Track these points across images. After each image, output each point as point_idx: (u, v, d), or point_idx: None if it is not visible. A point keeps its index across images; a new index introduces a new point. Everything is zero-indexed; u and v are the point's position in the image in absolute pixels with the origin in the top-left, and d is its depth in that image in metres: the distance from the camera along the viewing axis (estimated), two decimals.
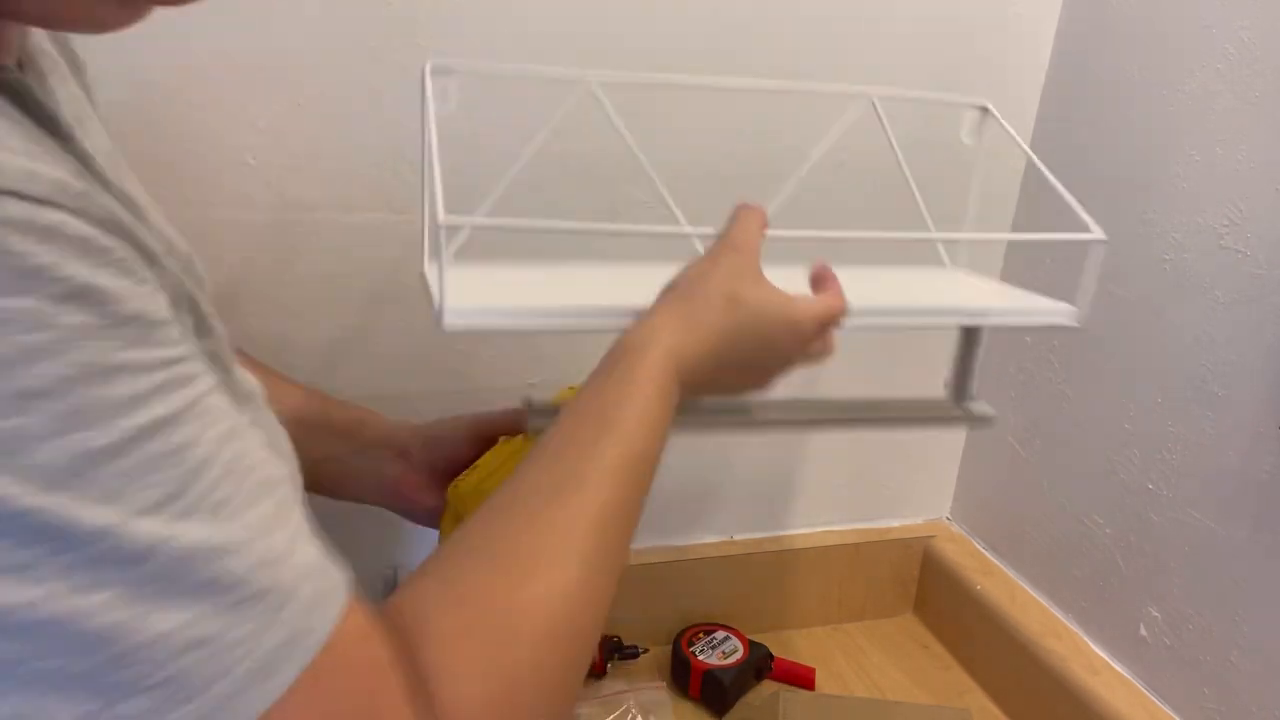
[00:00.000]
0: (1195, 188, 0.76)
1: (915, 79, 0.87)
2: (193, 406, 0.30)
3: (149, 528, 0.28)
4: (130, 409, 0.28)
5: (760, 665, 0.92)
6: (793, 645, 0.96)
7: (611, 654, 0.90)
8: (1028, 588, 0.95)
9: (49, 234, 0.26)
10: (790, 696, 0.86)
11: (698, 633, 0.94)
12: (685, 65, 0.80)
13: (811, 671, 0.93)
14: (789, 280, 0.57)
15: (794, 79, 0.83)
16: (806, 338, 0.55)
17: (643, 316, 0.51)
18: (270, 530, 0.32)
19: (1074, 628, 0.90)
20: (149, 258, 0.32)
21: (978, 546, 1.03)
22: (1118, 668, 0.84)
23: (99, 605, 0.27)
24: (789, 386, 0.60)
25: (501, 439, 0.70)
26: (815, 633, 1.02)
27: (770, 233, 0.60)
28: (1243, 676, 0.73)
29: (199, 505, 0.29)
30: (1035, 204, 0.93)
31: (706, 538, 0.99)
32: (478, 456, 0.69)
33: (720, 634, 0.93)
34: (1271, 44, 0.69)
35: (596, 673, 0.90)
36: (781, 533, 1.01)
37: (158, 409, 0.29)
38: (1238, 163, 0.72)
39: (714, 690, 0.88)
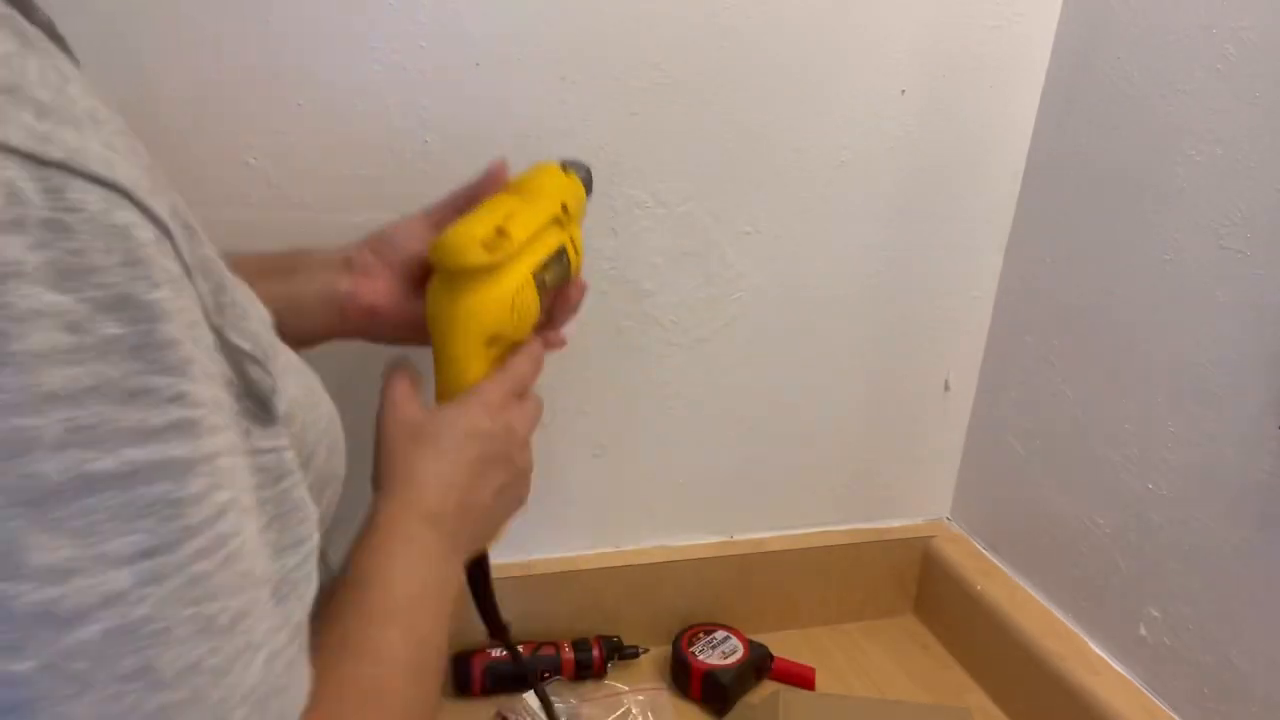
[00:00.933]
0: (1195, 188, 0.76)
1: (915, 79, 0.87)
2: (206, 460, 0.29)
3: (111, 582, 0.25)
4: (141, 441, 0.26)
5: (760, 665, 0.92)
6: (793, 645, 0.96)
7: (612, 654, 0.90)
8: (1028, 588, 0.95)
9: (116, 235, 0.25)
10: (790, 696, 0.86)
11: (698, 633, 0.94)
12: (686, 65, 0.80)
13: (811, 671, 0.93)
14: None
15: (794, 79, 0.83)
16: (502, 404, 0.56)
17: (374, 499, 0.51)
18: (225, 633, 0.29)
19: (1074, 628, 0.90)
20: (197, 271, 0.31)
21: (978, 546, 1.03)
22: (1118, 668, 0.84)
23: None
24: None
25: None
26: (815, 633, 1.02)
27: None
28: (1243, 676, 0.73)
29: (170, 574, 0.27)
30: (1036, 205, 0.93)
31: (706, 538, 0.99)
32: None
33: (720, 634, 0.94)
34: (1271, 44, 0.69)
35: (597, 672, 0.90)
36: (781, 533, 1.01)
37: (170, 449, 0.27)
38: (1238, 163, 0.72)
39: (714, 690, 0.88)
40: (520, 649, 0.77)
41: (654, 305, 0.87)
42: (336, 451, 0.45)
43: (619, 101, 0.79)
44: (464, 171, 0.78)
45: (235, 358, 0.33)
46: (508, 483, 0.56)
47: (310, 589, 0.36)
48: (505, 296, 0.57)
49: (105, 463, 0.25)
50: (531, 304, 0.60)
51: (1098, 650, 0.87)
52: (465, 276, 0.56)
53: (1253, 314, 0.71)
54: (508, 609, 0.91)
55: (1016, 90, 0.91)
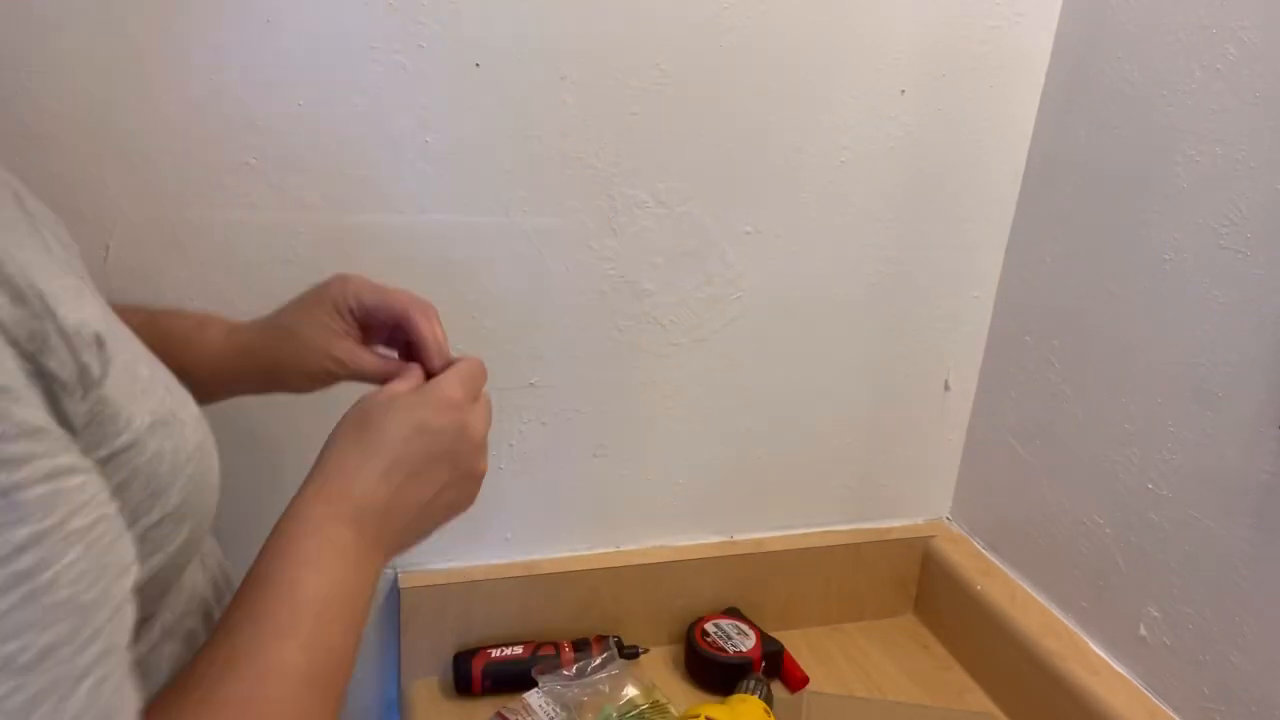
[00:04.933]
0: (1195, 188, 0.76)
1: (915, 79, 0.87)
2: (59, 527, 0.30)
3: None
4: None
5: (771, 658, 0.92)
6: (793, 645, 0.96)
7: (613, 653, 0.90)
8: (1028, 588, 0.95)
9: None
10: (814, 698, 0.86)
11: (709, 622, 0.94)
12: (686, 65, 0.80)
13: (804, 678, 0.93)
14: None
15: (794, 79, 0.83)
16: (458, 403, 0.52)
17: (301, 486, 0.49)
18: (27, 671, 0.29)
19: (1074, 628, 0.90)
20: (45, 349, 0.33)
21: (978, 546, 1.03)
22: (1118, 668, 0.84)
23: None
24: None
25: None
26: (815, 633, 1.02)
27: None
28: (1243, 676, 0.73)
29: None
30: (1036, 205, 0.93)
31: (706, 538, 0.99)
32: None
33: (729, 624, 0.94)
34: (1271, 44, 0.69)
35: (596, 671, 0.90)
36: (781, 533, 1.01)
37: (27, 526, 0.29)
38: (1238, 163, 0.72)
39: (721, 678, 0.89)
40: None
41: (654, 305, 0.87)
42: (201, 485, 0.44)
43: (619, 101, 0.79)
44: (464, 171, 0.78)
45: (48, 383, 0.34)
46: (449, 483, 0.52)
47: (130, 612, 0.35)
48: None
49: None
50: None
51: (1098, 650, 0.87)
52: None
53: (1252, 314, 0.71)
54: (508, 608, 0.91)
55: (1016, 90, 0.91)
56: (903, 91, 0.87)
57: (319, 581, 0.44)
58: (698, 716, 0.80)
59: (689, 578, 0.96)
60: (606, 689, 0.86)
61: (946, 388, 1.02)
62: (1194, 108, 0.75)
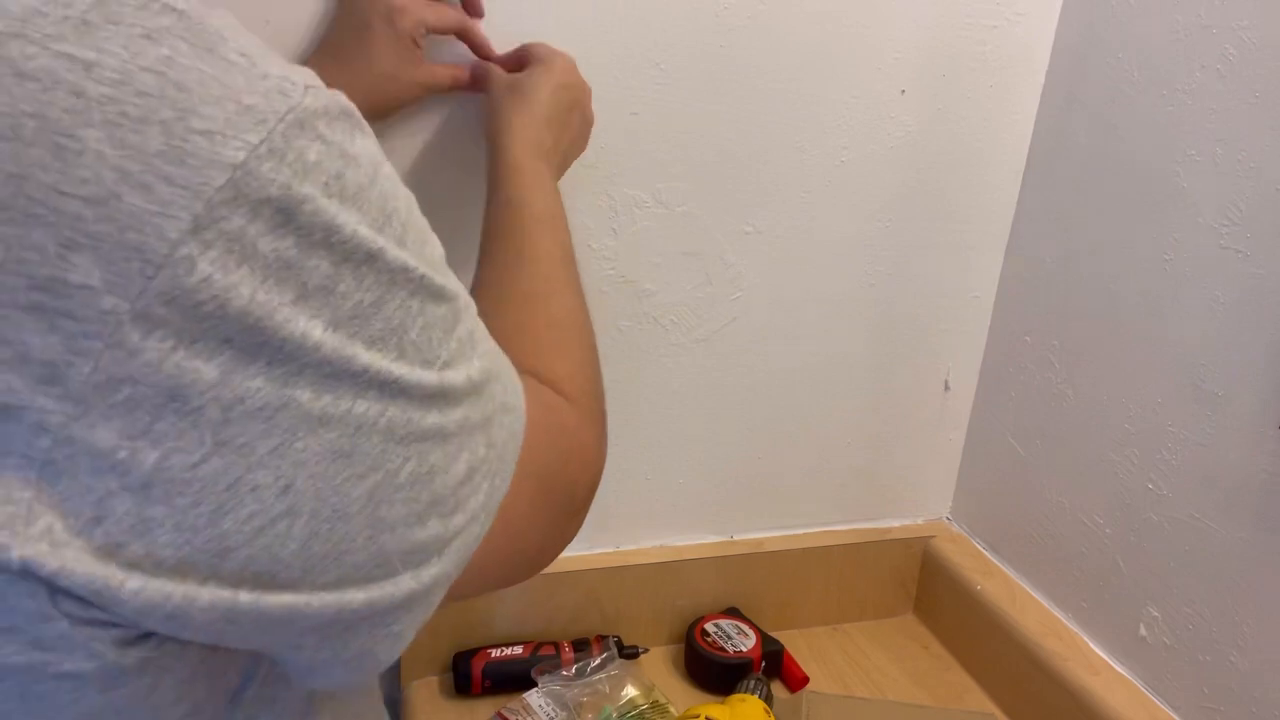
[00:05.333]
0: (1195, 188, 0.76)
1: (915, 79, 0.87)
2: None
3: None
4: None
5: (771, 658, 0.92)
6: (793, 645, 0.96)
7: (613, 653, 0.90)
8: (1028, 588, 0.95)
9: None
10: (814, 697, 0.86)
11: (709, 621, 0.94)
12: (686, 65, 0.80)
13: (804, 678, 0.93)
14: None
15: (794, 79, 0.83)
16: (574, 64, 0.71)
17: (493, 139, 0.65)
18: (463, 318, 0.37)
19: (1074, 628, 0.90)
20: None
21: (978, 546, 1.03)
22: (1118, 668, 0.84)
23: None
24: None
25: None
26: (815, 633, 1.02)
27: None
28: (1243, 676, 0.73)
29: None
30: (1036, 205, 0.93)
31: (706, 538, 0.99)
32: None
33: (729, 624, 0.94)
34: (1271, 44, 0.69)
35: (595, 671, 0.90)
36: (781, 533, 1.01)
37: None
38: (1238, 163, 0.72)
39: (721, 678, 0.89)
40: None
41: (654, 305, 0.87)
42: None
43: (619, 101, 0.79)
44: (463, 171, 0.78)
45: None
46: (580, 126, 0.71)
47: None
48: None
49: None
50: None
51: (1098, 650, 0.87)
52: None
53: (1252, 314, 0.71)
54: (508, 609, 0.91)
55: (1016, 90, 0.91)
56: (903, 91, 0.87)
57: (544, 199, 0.60)
58: (698, 716, 0.80)
59: (689, 578, 0.96)
60: (606, 689, 0.86)
61: (946, 388, 1.02)
62: (1194, 108, 0.75)
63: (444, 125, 0.76)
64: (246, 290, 0.27)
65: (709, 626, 0.93)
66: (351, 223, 0.29)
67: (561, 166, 0.69)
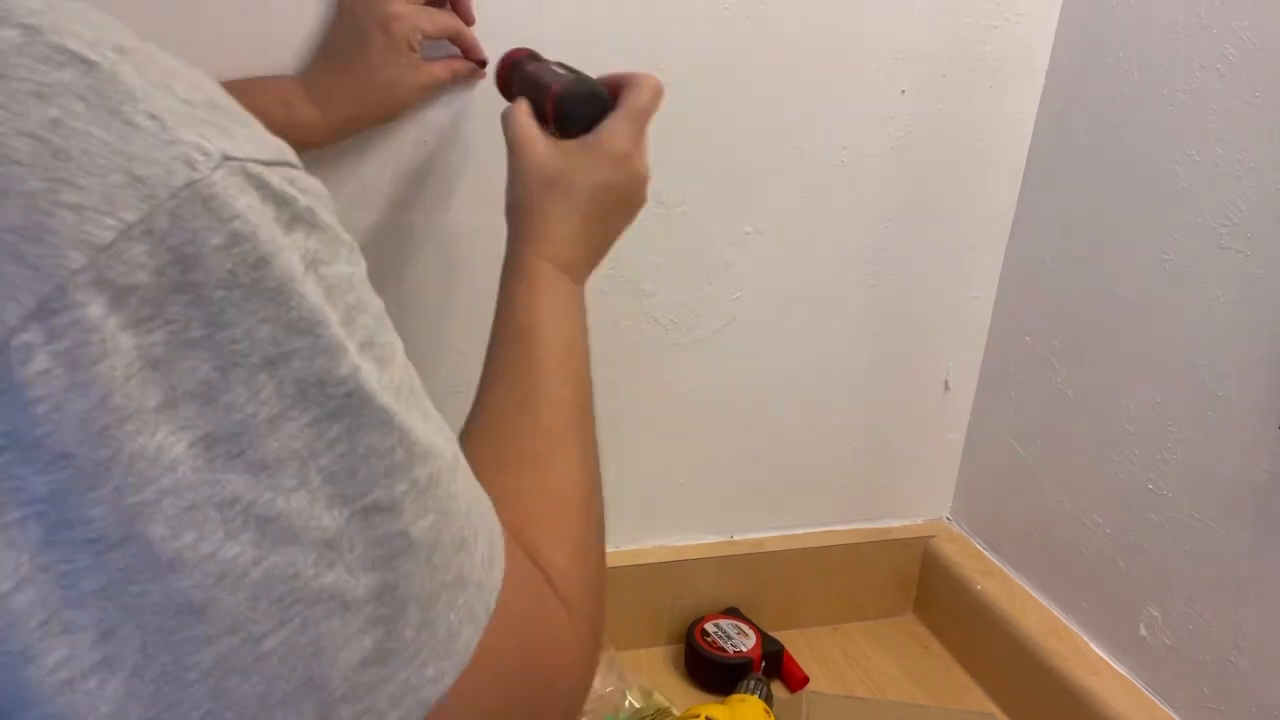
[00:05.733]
0: (1195, 188, 0.76)
1: (915, 79, 0.87)
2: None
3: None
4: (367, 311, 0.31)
5: (771, 658, 0.93)
6: (793, 645, 0.96)
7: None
8: (1028, 588, 0.95)
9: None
10: (814, 697, 0.86)
11: (709, 621, 0.94)
12: (686, 65, 0.80)
13: (804, 678, 0.93)
14: None
15: (794, 79, 0.83)
16: (629, 153, 0.57)
17: (514, 243, 0.56)
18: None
19: (1074, 628, 0.90)
20: None
21: (978, 546, 1.03)
22: (1118, 668, 0.84)
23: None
24: None
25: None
26: (815, 633, 1.02)
27: None
28: (1243, 676, 0.73)
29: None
30: (1036, 205, 0.93)
31: (706, 538, 0.99)
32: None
33: (729, 624, 0.94)
34: (1271, 44, 0.69)
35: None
36: (781, 533, 1.01)
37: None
38: (1238, 163, 0.72)
39: (721, 678, 0.89)
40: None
41: (654, 305, 0.87)
42: None
43: None
44: (462, 171, 0.78)
45: None
46: (627, 221, 0.60)
47: None
48: None
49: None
50: None
51: (1098, 650, 0.87)
52: None
53: (1253, 314, 0.71)
54: None
55: (1016, 90, 0.91)
56: (903, 91, 0.87)
57: (561, 328, 0.52)
58: (698, 716, 0.80)
59: (689, 578, 0.96)
60: (608, 696, 0.86)
61: (946, 388, 1.02)
62: (1194, 108, 0.75)
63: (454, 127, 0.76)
64: (97, 392, 0.22)
65: (709, 626, 0.93)
66: (254, 321, 0.25)
67: (591, 270, 0.58)
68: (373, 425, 0.27)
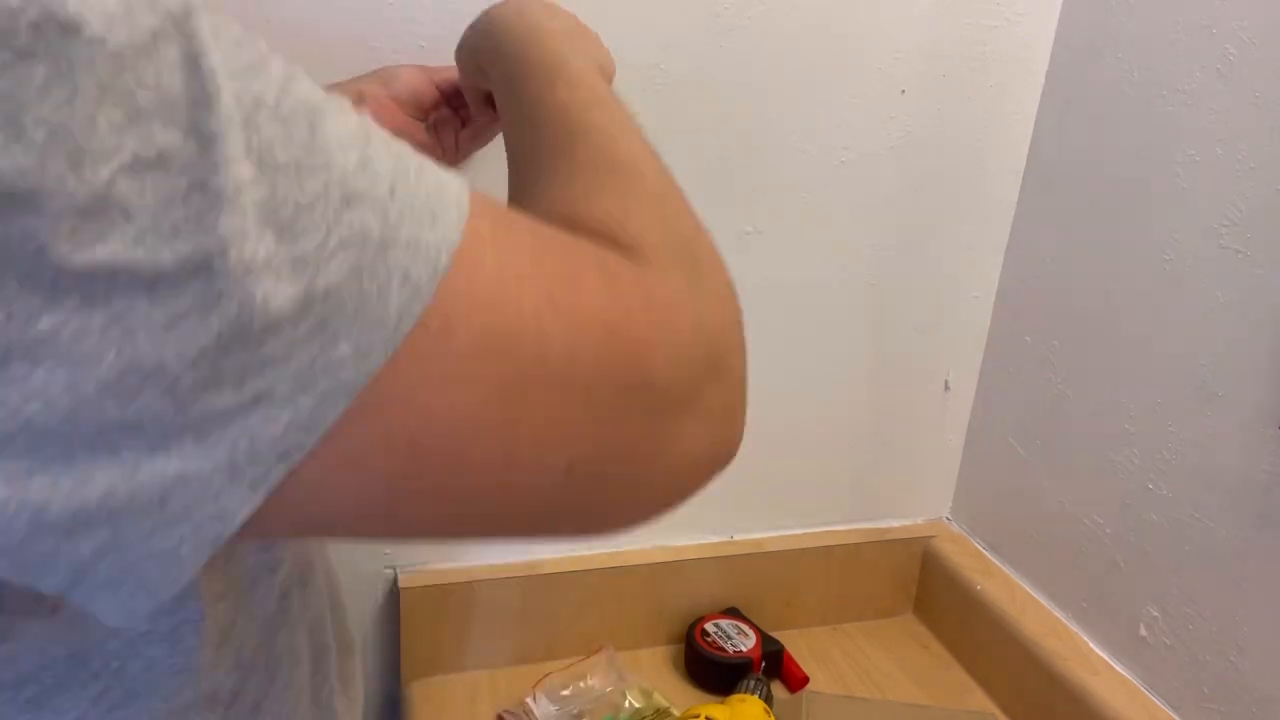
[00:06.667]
0: (1195, 188, 0.76)
1: (915, 79, 0.87)
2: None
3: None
4: None
5: (771, 658, 0.92)
6: (793, 645, 0.96)
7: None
8: (1028, 588, 0.95)
9: None
10: (814, 697, 0.86)
11: (709, 621, 0.94)
12: (686, 65, 0.80)
13: (804, 678, 0.93)
14: None
15: (794, 79, 0.83)
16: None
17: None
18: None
19: (1074, 628, 0.90)
20: None
21: (978, 546, 1.03)
22: (1118, 668, 0.84)
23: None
24: None
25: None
26: (815, 633, 1.02)
27: None
28: (1243, 676, 0.73)
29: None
30: (1036, 205, 0.93)
31: (706, 538, 0.99)
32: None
33: (729, 624, 0.94)
34: (1271, 44, 0.69)
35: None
36: (781, 533, 1.01)
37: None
38: (1238, 163, 0.72)
39: (721, 678, 0.89)
40: None
41: None
42: None
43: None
44: (466, 174, 0.78)
45: None
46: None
47: None
48: None
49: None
50: None
51: (1098, 650, 0.87)
52: None
53: (1253, 314, 0.71)
54: (508, 609, 0.91)
55: (1016, 90, 0.91)
56: (903, 91, 0.87)
57: (612, 111, 0.46)
58: (698, 716, 0.80)
59: (689, 578, 0.96)
60: (608, 697, 0.86)
61: (946, 388, 1.02)
62: (1194, 108, 0.75)
63: None
64: None
65: (709, 626, 0.93)
66: None
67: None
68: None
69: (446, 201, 0.27)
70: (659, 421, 0.30)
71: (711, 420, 0.33)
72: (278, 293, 0.23)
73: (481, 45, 0.55)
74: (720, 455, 0.34)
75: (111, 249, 0.21)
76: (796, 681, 0.92)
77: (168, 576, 0.24)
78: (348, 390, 0.24)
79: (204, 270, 0.22)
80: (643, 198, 0.38)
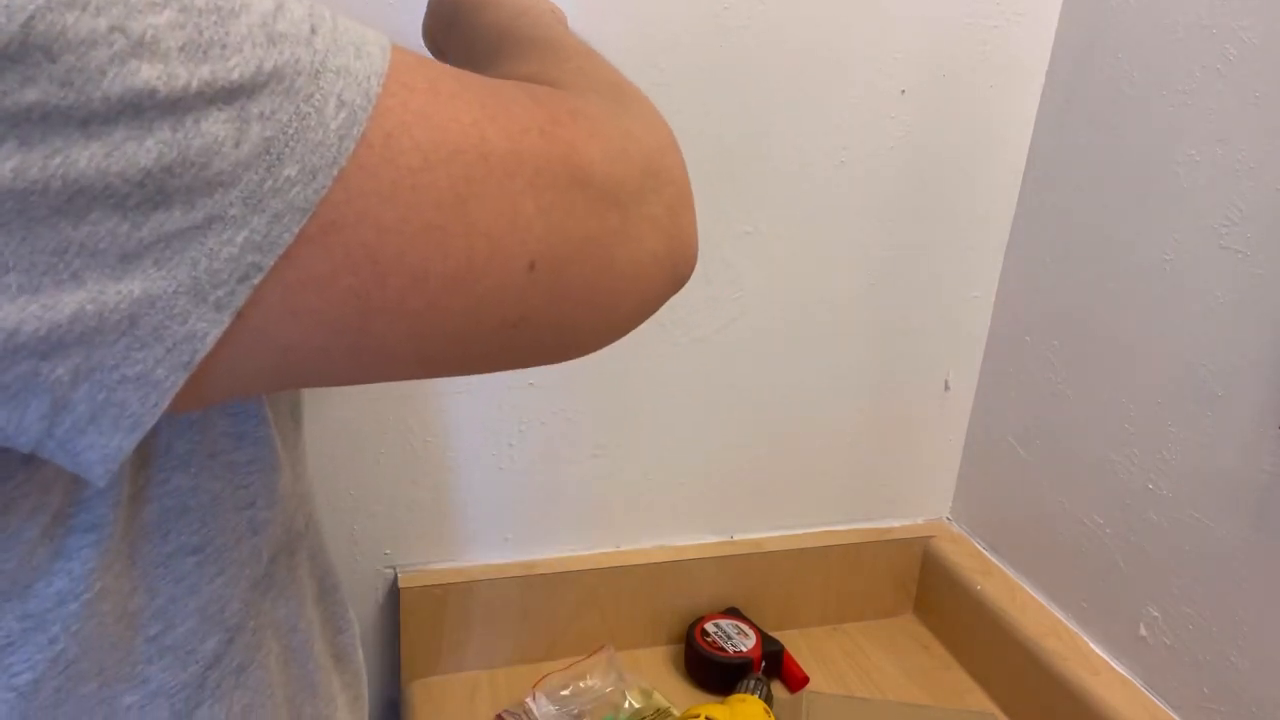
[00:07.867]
0: (1195, 188, 0.76)
1: (915, 79, 0.87)
2: None
3: None
4: None
5: (771, 658, 0.93)
6: (793, 645, 0.96)
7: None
8: (1028, 588, 0.95)
9: None
10: (814, 697, 0.86)
11: (709, 621, 0.94)
12: (686, 65, 0.80)
13: (804, 678, 0.93)
14: None
15: (794, 79, 0.83)
16: None
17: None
18: None
19: (1074, 628, 0.90)
20: None
21: (978, 546, 1.03)
22: (1118, 668, 0.84)
23: None
24: None
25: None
26: (815, 633, 1.02)
27: None
28: (1243, 676, 0.73)
29: None
30: (1036, 205, 0.93)
31: (706, 538, 0.99)
32: None
33: (729, 624, 0.94)
34: (1271, 44, 0.69)
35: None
36: (781, 533, 1.01)
37: None
38: (1238, 163, 0.72)
39: (721, 678, 0.89)
40: None
41: None
42: None
43: None
44: None
45: None
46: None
47: None
48: None
49: None
50: None
51: (1098, 650, 0.87)
52: None
53: (1252, 314, 0.71)
54: (508, 609, 0.91)
55: (1016, 90, 0.91)
56: (903, 91, 0.87)
57: (535, 18, 0.48)
58: (698, 716, 0.80)
59: (689, 578, 0.96)
60: (608, 696, 0.86)
61: (946, 388, 1.02)
62: (1194, 108, 0.75)
63: None
64: None
65: (709, 626, 0.93)
66: None
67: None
68: None
69: (368, 39, 0.28)
70: (606, 217, 0.32)
71: (659, 223, 0.35)
72: (210, 116, 0.24)
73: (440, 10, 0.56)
74: (676, 260, 0.37)
75: (41, 90, 0.21)
76: (796, 681, 0.92)
77: (146, 403, 0.25)
78: (299, 210, 0.25)
79: (131, 108, 0.23)
80: (567, 62, 0.40)
